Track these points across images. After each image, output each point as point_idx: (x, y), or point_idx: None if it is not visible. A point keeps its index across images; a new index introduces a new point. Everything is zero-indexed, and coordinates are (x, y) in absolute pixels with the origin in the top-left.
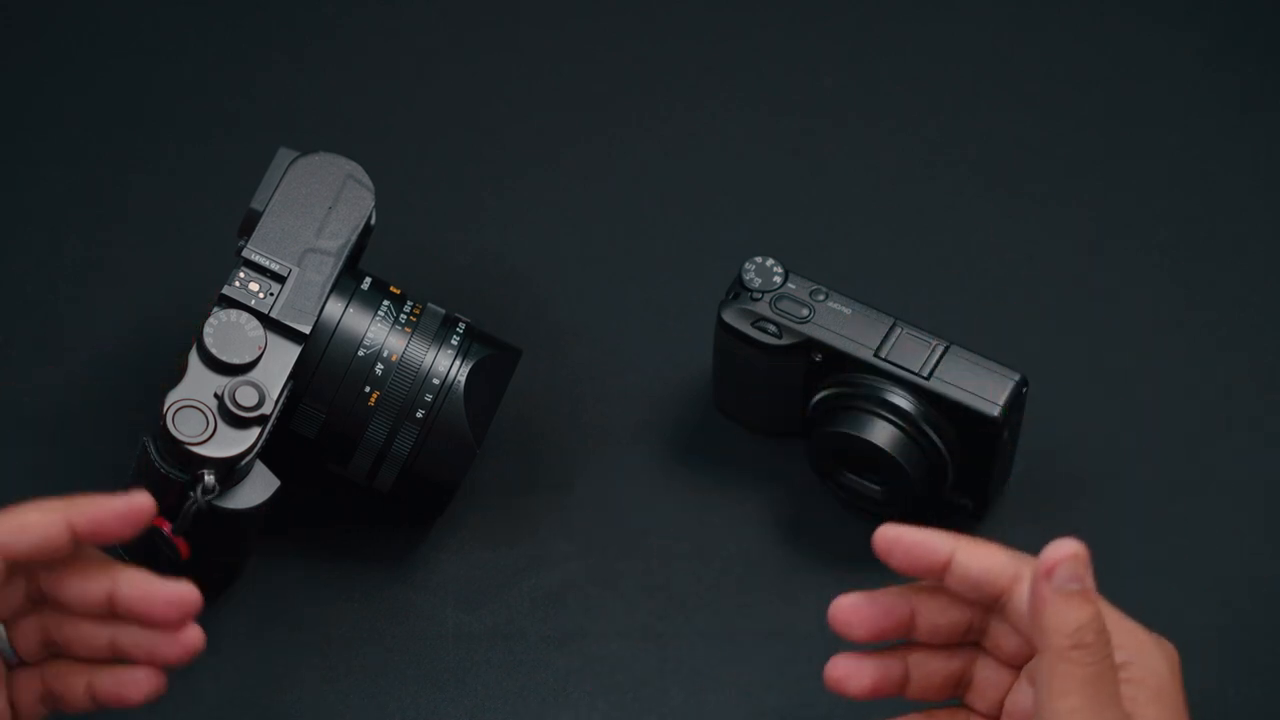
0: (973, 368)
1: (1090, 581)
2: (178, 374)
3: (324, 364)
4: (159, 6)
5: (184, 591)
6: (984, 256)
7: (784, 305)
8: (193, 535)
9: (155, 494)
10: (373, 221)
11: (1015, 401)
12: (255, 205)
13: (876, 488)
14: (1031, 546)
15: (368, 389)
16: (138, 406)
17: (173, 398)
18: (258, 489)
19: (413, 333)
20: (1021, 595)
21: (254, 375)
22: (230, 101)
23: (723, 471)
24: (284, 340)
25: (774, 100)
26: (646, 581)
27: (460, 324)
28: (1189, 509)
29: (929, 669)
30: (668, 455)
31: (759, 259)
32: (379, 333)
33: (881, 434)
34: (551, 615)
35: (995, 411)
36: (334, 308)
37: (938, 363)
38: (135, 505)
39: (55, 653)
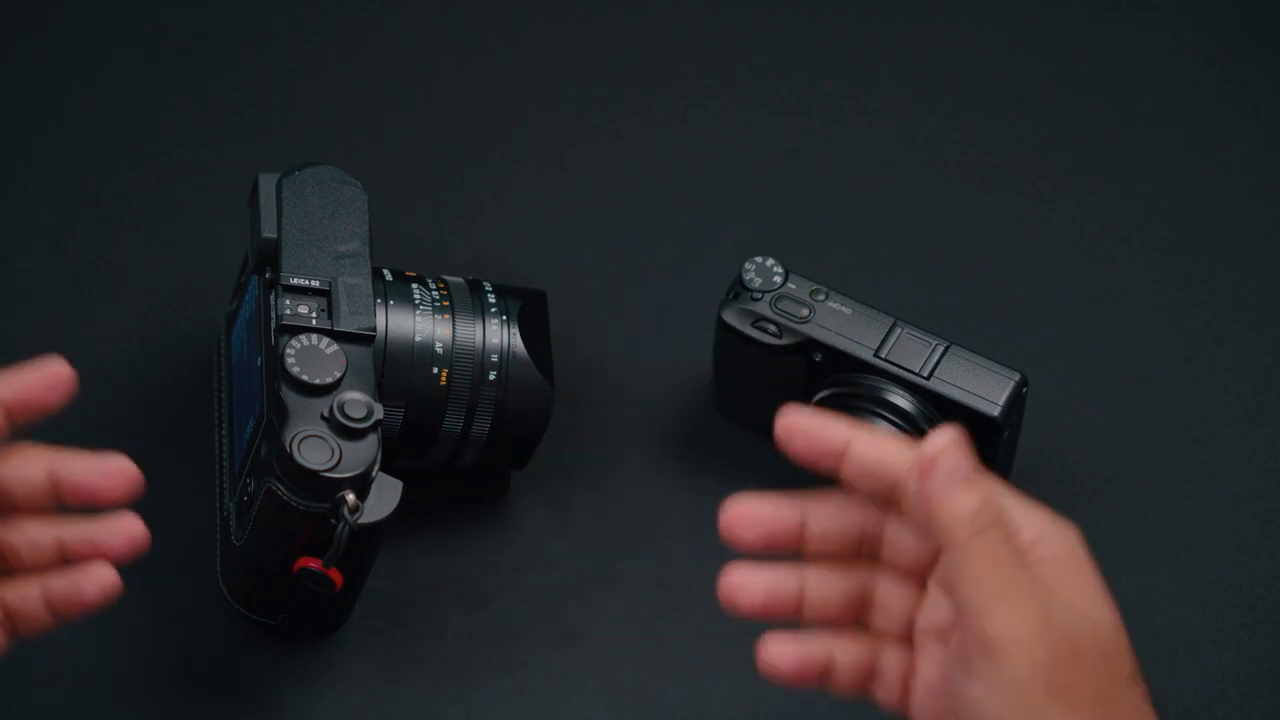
0: (973, 368)
1: (972, 464)
2: (277, 418)
3: (389, 360)
4: (159, 7)
5: (120, 463)
6: (984, 256)
7: (784, 305)
8: (341, 563)
9: (292, 535)
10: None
11: (1015, 401)
12: (267, 234)
13: None
14: None
15: (436, 369)
16: (137, 406)
17: (288, 435)
18: (388, 495)
19: (452, 308)
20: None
21: (347, 388)
22: (230, 102)
23: (723, 471)
24: (356, 347)
25: (774, 100)
26: (646, 581)
27: (484, 285)
28: (1189, 509)
29: (825, 586)
30: (668, 455)
31: (759, 259)
32: (425, 318)
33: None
34: (551, 615)
35: (995, 411)
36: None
37: (938, 363)
38: (52, 370)
39: (5, 570)
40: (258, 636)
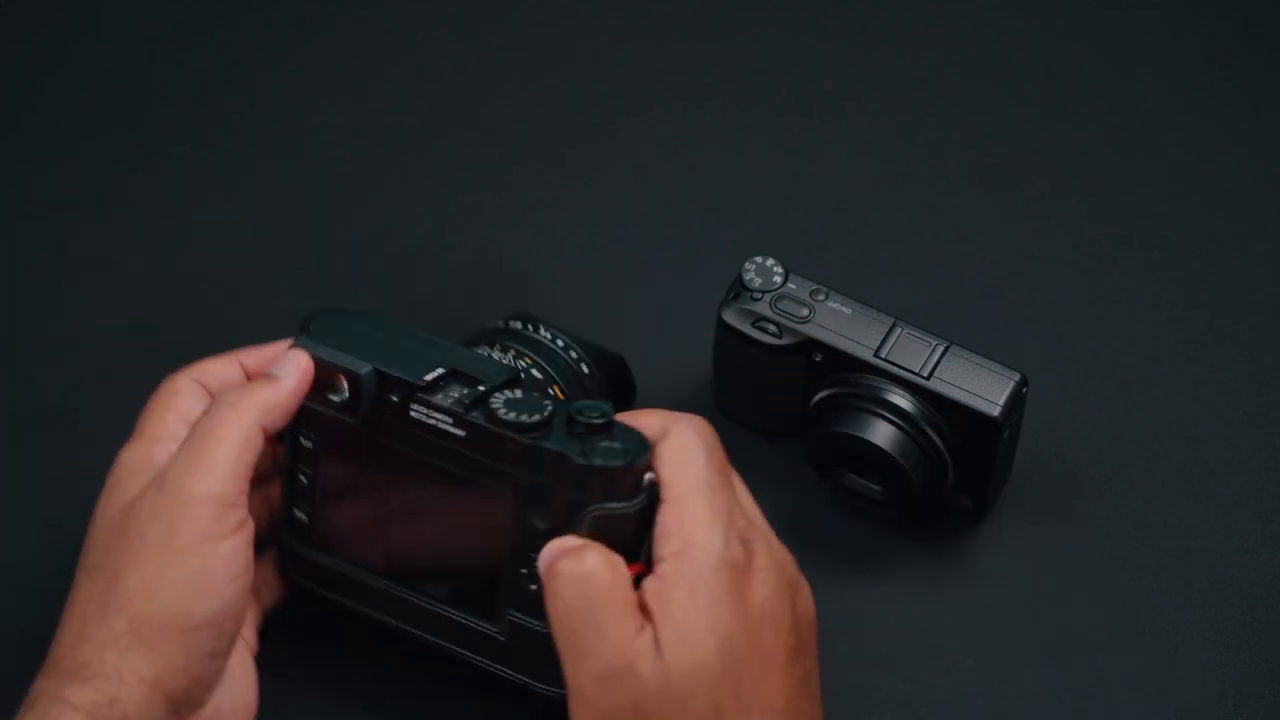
0: (973, 368)
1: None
2: (550, 458)
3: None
4: (159, 7)
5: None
6: (984, 256)
7: (784, 305)
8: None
9: (626, 544)
10: None
11: (1015, 401)
12: (361, 370)
13: (876, 488)
14: (1032, 546)
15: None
16: (137, 406)
17: (579, 459)
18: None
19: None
20: None
21: (562, 405)
22: (230, 102)
23: None
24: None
25: (774, 100)
26: None
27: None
28: (1189, 509)
29: None
30: None
31: (759, 259)
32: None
33: (881, 434)
34: None
35: (995, 411)
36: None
37: (938, 363)
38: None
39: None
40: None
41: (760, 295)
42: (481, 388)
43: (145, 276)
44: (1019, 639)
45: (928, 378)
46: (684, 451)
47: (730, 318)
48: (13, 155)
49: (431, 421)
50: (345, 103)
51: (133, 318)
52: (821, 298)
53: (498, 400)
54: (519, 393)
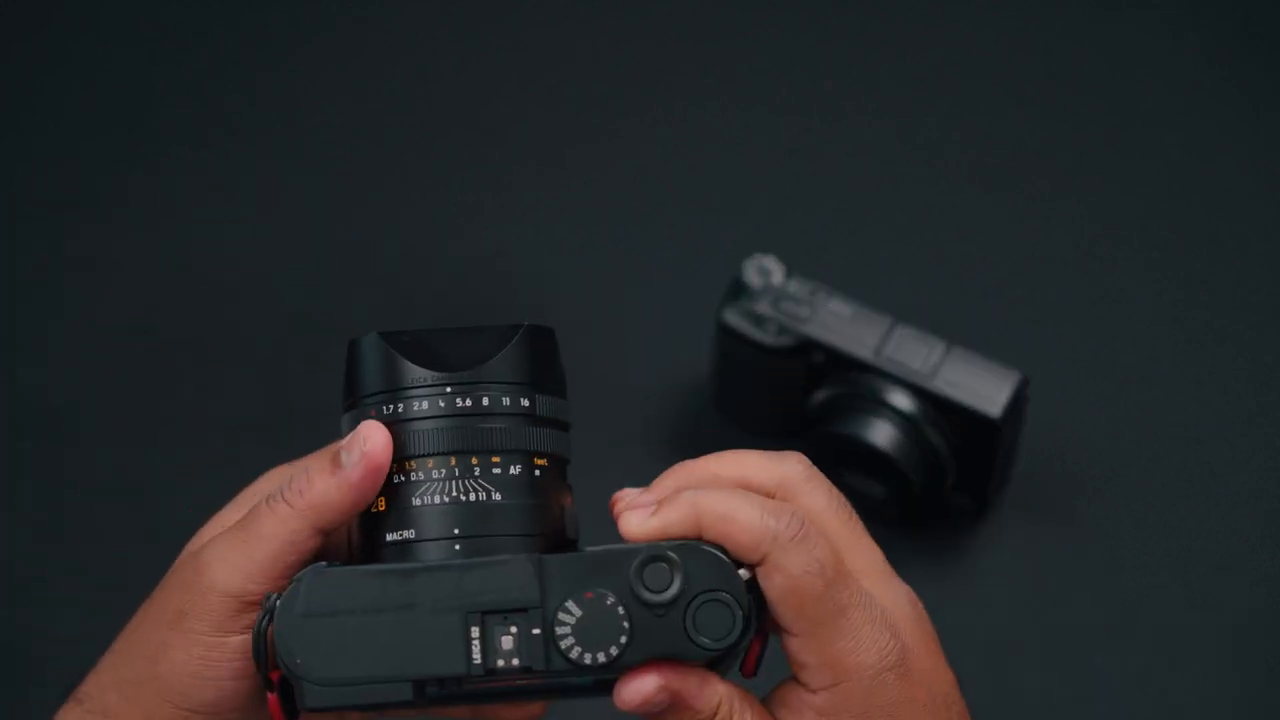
0: (973, 368)
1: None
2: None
3: None
4: (159, 7)
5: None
6: (984, 256)
7: (784, 305)
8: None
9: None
10: None
11: (1015, 401)
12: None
13: (877, 488)
14: (1032, 546)
15: None
16: (137, 406)
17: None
18: None
19: None
20: None
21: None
22: (230, 102)
23: None
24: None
25: (774, 100)
26: None
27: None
28: (1189, 509)
29: None
30: (668, 454)
31: (759, 259)
32: None
33: (881, 434)
34: None
35: (995, 412)
36: None
37: (938, 363)
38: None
39: None
40: None
41: (760, 295)
42: (536, 630)
43: (145, 276)
44: (1019, 639)
45: (928, 378)
46: (798, 581)
47: (730, 318)
48: (13, 155)
49: (503, 685)
50: (345, 103)
51: (133, 318)
52: (822, 298)
53: (564, 630)
54: (572, 605)
